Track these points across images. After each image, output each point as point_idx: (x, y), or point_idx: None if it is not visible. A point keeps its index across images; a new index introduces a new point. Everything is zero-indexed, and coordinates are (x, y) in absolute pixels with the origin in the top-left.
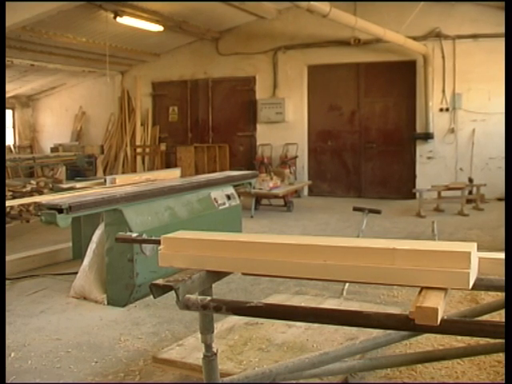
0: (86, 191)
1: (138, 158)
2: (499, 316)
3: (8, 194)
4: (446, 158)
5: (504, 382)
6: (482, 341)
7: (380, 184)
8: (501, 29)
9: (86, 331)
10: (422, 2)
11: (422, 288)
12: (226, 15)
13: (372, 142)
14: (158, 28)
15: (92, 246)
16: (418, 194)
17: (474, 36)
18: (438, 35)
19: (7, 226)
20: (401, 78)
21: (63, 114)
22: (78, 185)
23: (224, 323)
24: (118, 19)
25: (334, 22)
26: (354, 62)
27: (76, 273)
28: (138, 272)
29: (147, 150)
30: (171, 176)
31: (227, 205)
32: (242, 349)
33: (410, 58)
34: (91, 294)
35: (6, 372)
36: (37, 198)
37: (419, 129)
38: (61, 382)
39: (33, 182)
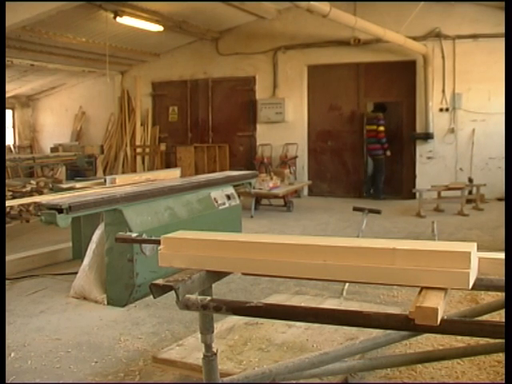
0: (85, 191)
1: (138, 158)
2: (499, 316)
3: (8, 193)
4: (445, 158)
5: (504, 382)
6: (482, 341)
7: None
8: (501, 29)
9: (85, 331)
10: (422, 2)
11: (422, 288)
12: (226, 15)
13: None
14: (158, 28)
15: (92, 246)
16: (417, 194)
17: (474, 36)
18: (437, 35)
19: (7, 225)
20: (401, 78)
21: (63, 113)
22: (78, 185)
23: (224, 323)
24: (118, 19)
25: (333, 21)
26: (354, 62)
27: (76, 273)
28: (137, 272)
29: (147, 150)
30: (171, 176)
31: (227, 205)
32: (242, 349)
33: (410, 58)
34: (91, 294)
35: (6, 372)
36: (37, 198)
37: (419, 129)
38: (61, 382)
39: (33, 181)
